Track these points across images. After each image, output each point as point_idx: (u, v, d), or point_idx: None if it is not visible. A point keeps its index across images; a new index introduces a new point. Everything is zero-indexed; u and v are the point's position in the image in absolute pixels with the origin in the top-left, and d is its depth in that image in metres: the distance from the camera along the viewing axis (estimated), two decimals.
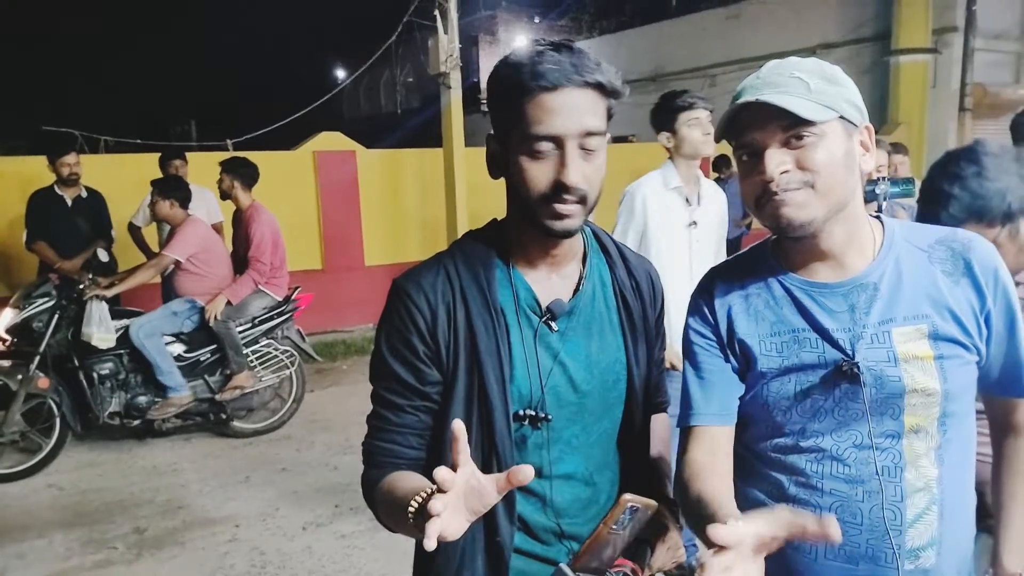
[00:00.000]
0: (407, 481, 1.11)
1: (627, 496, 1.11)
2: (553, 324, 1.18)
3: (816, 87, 1.10)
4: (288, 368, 5.17)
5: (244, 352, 4.89)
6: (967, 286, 1.15)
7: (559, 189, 1.08)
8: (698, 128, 2.78)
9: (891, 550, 1.13)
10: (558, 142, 1.07)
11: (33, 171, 5.51)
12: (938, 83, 11.28)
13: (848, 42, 11.90)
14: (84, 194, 5.48)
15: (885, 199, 3.44)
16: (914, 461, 1.13)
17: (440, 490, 0.85)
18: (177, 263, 4.76)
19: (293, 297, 5.16)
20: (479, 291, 1.16)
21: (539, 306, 1.18)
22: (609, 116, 1.14)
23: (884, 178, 3.49)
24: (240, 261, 5.00)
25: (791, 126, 1.08)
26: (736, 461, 1.24)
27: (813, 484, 1.17)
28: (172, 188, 4.82)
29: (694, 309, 1.30)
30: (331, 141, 8.03)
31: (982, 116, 11.38)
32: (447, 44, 7.46)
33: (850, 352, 1.13)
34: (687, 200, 2.83)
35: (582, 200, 1.10)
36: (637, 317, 1.26)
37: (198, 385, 4.84)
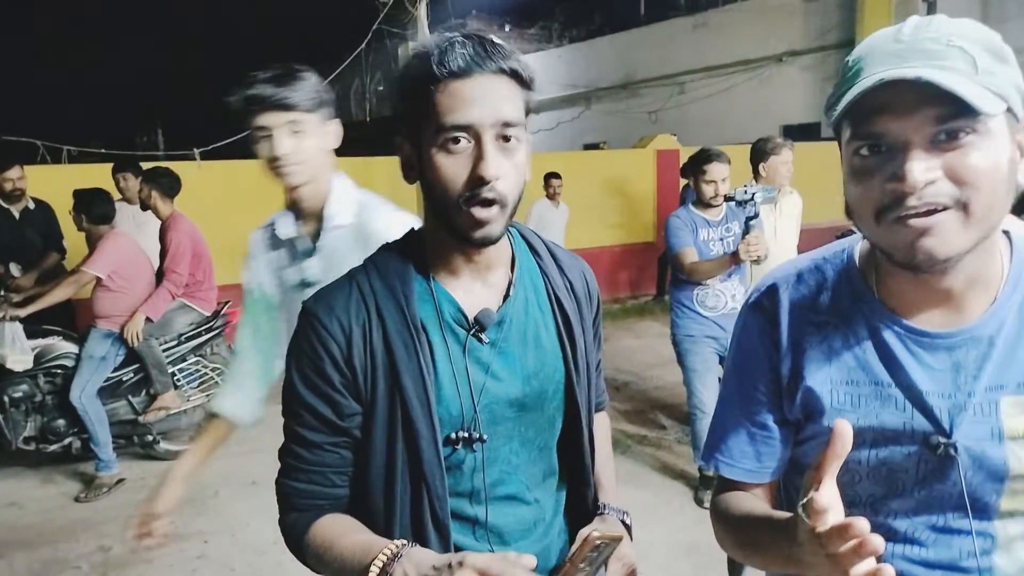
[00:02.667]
0: (346, 533, 1.05)
1: (595, 535, 1.05)
2: (482, 336, 1.09)
3: (983, 65, 0.79)
4: (219, 386, 5.02)
5: (169, 371, 4.68)
6: None
7: (476, 184, 0.99)
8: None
9: None
10: (473, 133, 0.99)
11: None
12: None
13: (813, 49, 12.12)
14: (32, 206, 5.32)
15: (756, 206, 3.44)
16: (1007, 544, 0.92)
17: None
18: (98, 279, 4.43)
19: (223, 312, 4.96)
20: (396, 308, 1.06)
21: (465, 318, 1.09)
22: (527, 111, 1.05)
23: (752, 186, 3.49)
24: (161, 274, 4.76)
25: (948, 117, 0.79)
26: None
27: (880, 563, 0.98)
28: (88, 203, 4.48)
29: (748, 329, 1.04)
30: None
31: None
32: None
33: (947, 426, 0.89)
34: (294, 254, 1.80)
35: (501, 203, 1.01)
36: (574, 320, 1.17)
37: (120, 406, 4.61)
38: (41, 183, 5.67)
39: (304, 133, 1.68)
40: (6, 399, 4.32)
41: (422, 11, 7.42)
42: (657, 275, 9.32)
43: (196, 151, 7.31)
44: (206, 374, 4.95)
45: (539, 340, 1.14)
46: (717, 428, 1.08)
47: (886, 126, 0.81)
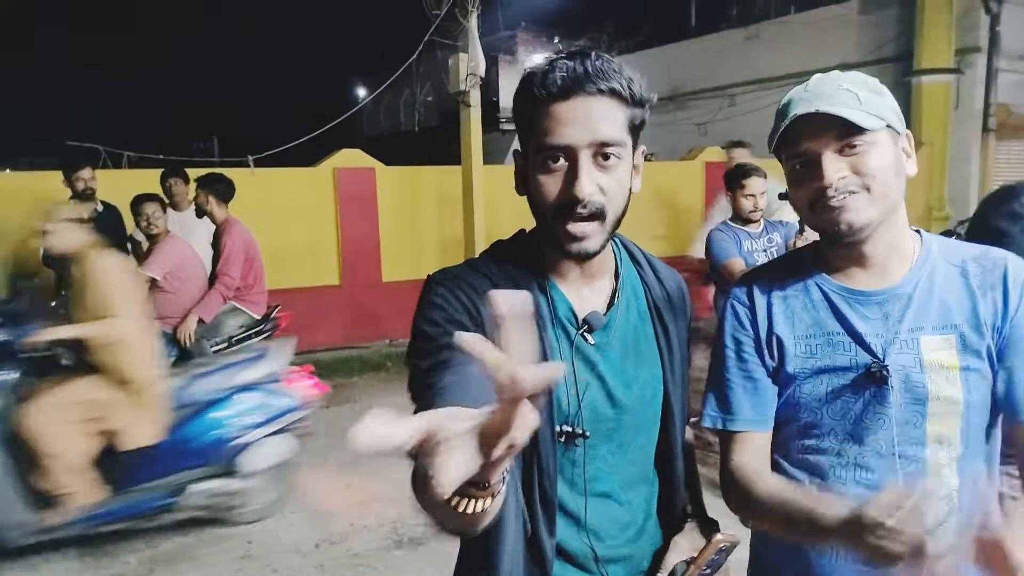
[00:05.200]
0: None
1: (719, 536, 1.13)
2: (589, 337, 1.13)
3: (864, 98, 1.15)
4: None
5: None
6: (996, 299, 1.17)
7: (569, 203, 1.03)
8: None
9: None
10: (570, 153, 1.04)
11: (53, 186, 5.55)
12: (961, 104, 11.19)
13: (869, 62, 11.85)
14: (100, 208, 5.47)
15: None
16: (936, 471, 1.16)
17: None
18: (153, 281, 4.54)
19: (272, 316, 5.03)
20: None
21: (576, 319, 1.13)
22: (633, 127, 1.08)
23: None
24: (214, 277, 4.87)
25: (845, 135, 1.14)
26: (784, 451, 1.30)
27: (835, 489, 1.20)
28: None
29: (732, 311, 1.31)
30: (351, 158, 8.09)
31: (1006, 137, 11.27)
32: (467, 63, 7.51)
33: (881, 356, 1.18)
34: None
35: (598, 215, 1.05)
36: (672, 330, 1.22)
37: None
38: (102, 187, 5.85)
39: None
40: None
41: (473, 22, 7.48)
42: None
43: (250, 158, 7.47)
44: None
45: (639, 347, 1.19)
46: (716, 392, 1.30)
47: (807, 147, 1.17)
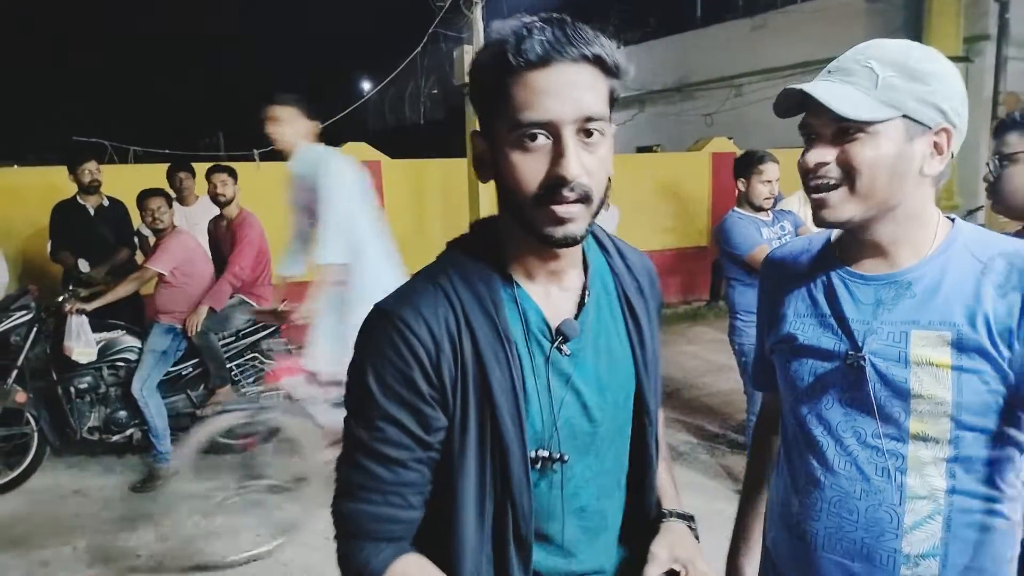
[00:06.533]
0: None
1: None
2: (564, 348, 1.02)
3: (885, 80, 1.05)
4: None
5: (227, 366, 4.77)
6: (1015, 302, 1.07)
7: (556, 185, 0.91)
8: None
9: (887, 552, 1.13)
10: (552, 129, 0.90)
11: (58, 182, 5.55)
12: (970, 91, 10.98)
13: None
14: (106, 203, 5.49)
15: None
16: (918, 468, 1.12)
17: None
18: (160, 275, 4.58)
19: (280, 310, 4.96)
20: (486, 316, 0.98)
21: (549, 329, 1.02)
22: (612, 100, 0.96)
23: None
24: (221, 268, 4.84)
25: (843, 118, 1.06)
26: (782, 431, 1.35)
27: (818, 476, 1.20)
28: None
29: (760, 286, 1.40)
30: (356, 151, 8.06)
31: None
32: (472, 55, 7.48)
33: (860, 343, 1.15)
34: None
35: (584, 199, 0.92)
36: (644, 323, 1.11)
37: (179, 400, 4.73)
38: (108, 182, 5.87)
39: None
40: (72, 390, 4.49)
41: (478, 14, 7.45)
42: (711, 280, 9.18)
43: (255, 152, 7.45)
44: (262, 370, 5.03)
45: (611, 348, 1.08)
46: (754, 360, 1.48)
47: (809, 120, 1.13)
